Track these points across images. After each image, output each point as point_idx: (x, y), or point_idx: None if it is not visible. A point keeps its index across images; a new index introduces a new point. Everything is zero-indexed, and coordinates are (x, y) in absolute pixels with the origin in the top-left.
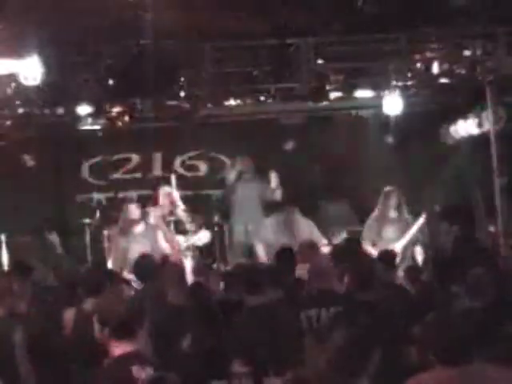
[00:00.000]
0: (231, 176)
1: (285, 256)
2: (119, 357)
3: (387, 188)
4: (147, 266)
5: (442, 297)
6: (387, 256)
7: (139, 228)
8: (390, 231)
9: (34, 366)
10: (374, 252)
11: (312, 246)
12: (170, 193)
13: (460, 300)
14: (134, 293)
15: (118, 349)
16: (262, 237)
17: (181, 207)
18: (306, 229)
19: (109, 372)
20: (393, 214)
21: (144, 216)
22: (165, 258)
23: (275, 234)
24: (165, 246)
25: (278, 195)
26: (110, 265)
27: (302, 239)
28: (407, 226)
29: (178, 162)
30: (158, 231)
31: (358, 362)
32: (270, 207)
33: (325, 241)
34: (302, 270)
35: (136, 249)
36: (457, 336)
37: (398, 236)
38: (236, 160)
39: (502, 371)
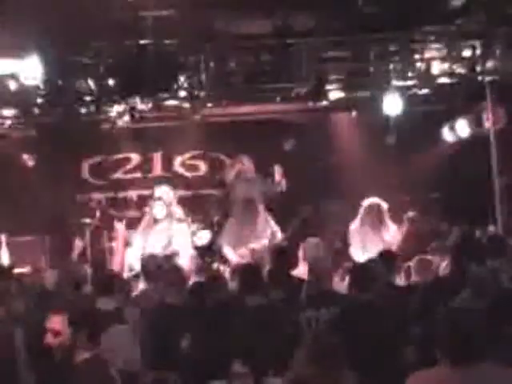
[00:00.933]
0: (230, 175)
1: (283, 256)
2: (93, 356)
3: (368, 202)
4: (149, 267)
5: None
6: (387, 256)
7: (161, 226)
8: (371, 246)
9: (33, 367)
10: (362, 257)
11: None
12: (169, 193)
13: (461, 300)
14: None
15: (86, 354)
16: (226, 238)
17: (180, 208)
18: (265, 220)
19: (90, 369)
20: (374, 227)
21: (169, 214)
22: (166, 258)
23: (239, 225)
24: (178, 247)
25: (283, 187)
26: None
27: (263, 231)
28: (388, 244)
29: (177, 161)
30: (180, 230)
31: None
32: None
33: (282, 234)
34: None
35: (154, 245)
36: (464, 335)
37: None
38: (236, 160)
39: (502, 371)
